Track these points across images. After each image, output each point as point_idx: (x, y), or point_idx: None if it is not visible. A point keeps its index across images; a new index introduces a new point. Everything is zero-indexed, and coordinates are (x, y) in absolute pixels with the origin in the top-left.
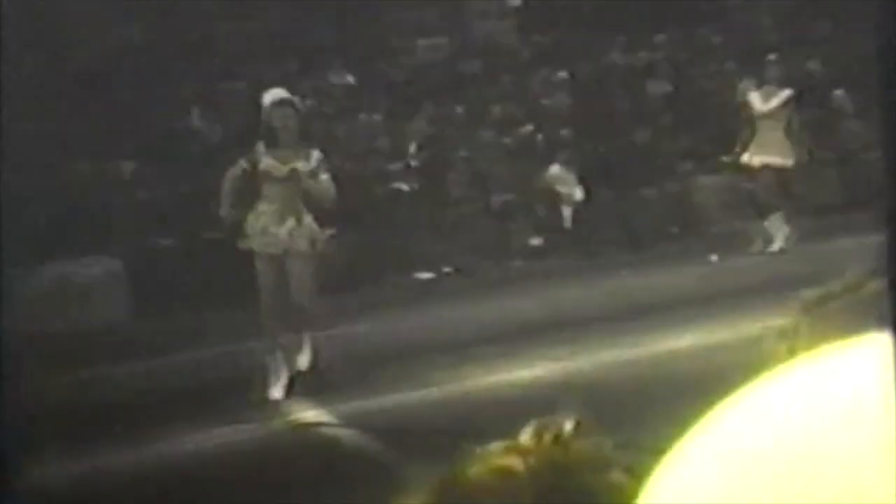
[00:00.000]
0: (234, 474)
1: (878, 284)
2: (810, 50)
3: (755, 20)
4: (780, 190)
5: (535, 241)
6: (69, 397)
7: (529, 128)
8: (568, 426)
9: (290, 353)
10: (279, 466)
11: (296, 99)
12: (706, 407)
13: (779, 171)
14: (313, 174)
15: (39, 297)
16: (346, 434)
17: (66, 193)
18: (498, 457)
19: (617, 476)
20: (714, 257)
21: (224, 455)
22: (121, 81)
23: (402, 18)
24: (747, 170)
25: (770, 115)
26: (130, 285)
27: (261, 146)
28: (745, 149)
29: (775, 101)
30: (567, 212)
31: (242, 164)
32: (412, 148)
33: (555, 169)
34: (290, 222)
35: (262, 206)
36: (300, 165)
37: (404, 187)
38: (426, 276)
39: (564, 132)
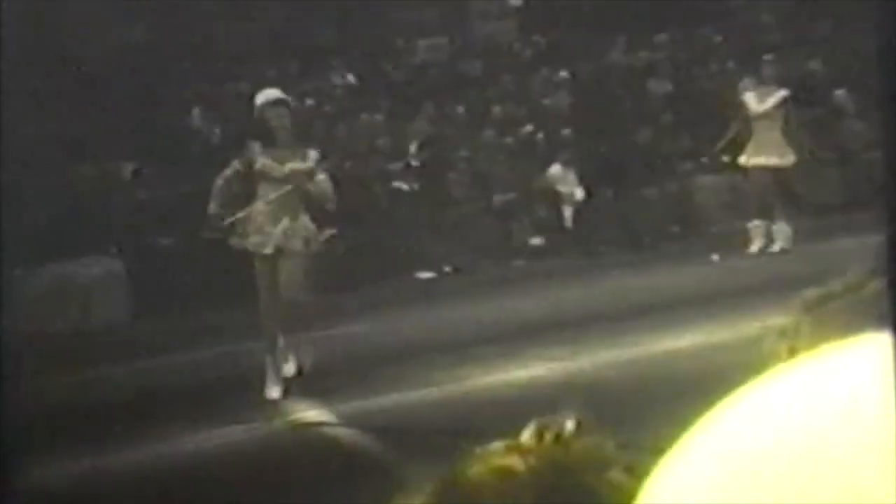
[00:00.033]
0: (235, 474)
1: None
2: (811, 49)
3: (756, 20)
4: (779, 190)
5: (536, 241)
6: (70, 397)
7: (530, 128)
8: (569, 426)
9: (288, 354)
10: (279, 466)
11: (289, 98)
12: (707, 407)
13: (777, 171)
14: (311, 174)
15: (40, 297)
16: (346, 434)
17: (66, 194)
18: (499, 456)
19: (617, 475)
20: (715, 257)
21: (224, 455)
22: (121, 82)
23: (402, 19)
24: (745, 171)
25: (766, 115)
26: (131, 285)
27: (256, 146)
28: (741, 150)
29: (771, 102)
30: (568, 211)
31: (236, 164)
32: (413, 148)
33: (555, 169)
34: (286, 222)
35: (258, 206)
36: (297, 165)
37: (405, 187)
38: (427, 275)
39: (565, 132)
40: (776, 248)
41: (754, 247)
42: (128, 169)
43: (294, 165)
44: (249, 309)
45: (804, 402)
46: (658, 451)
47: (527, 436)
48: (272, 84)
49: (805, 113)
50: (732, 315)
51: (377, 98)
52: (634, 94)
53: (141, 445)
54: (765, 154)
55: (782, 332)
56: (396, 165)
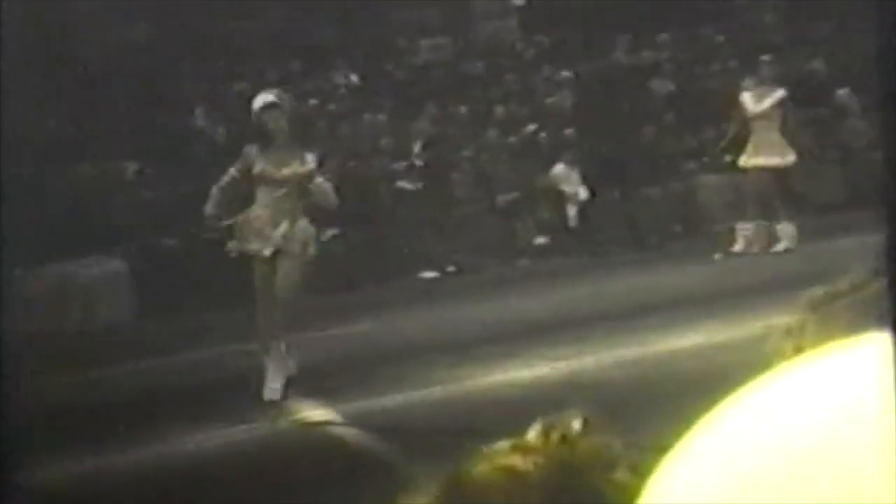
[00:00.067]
0: (237, 474)
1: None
2: (813, 49)
3: (758, 20)
4: (780, 190)
5: (540, 241)
6: (72, 397)
7: (533, 127)
8: (575, 425)
9: (286, 355)
10: (283, 466)
11: (285, 101)
12: (711, 406)
13: (778, 171)
14: (309, 177)
15: (42, 296)
16: (350, 434)
17: (69, 193)
18: (504, 456)
19: (623, 475)
20: (718, 256)
21: (227, 455)
22: (124, 82)
23: (405, 18)
24: (745, 172)
25: (764, 115)
26: (133, 285)
27: (253, 150)
28: (741, 150)
29: (768, 102)
30: (571, 211)
31: (233, 171)
32: (416, 147)
33: (559, 168)
34: (285, 225)
35: (256, 210)
36: (295, 168)
37: (408, 187)
38: (431, 275)
39: (568, 132)
40: (781, 247)
41: (738, 246)
42: (130, 169)
43: (292, 169)
44: (251, 309)
45: (805, 401)
46: (663, 450)
47: (532, 435)
48: (275, 84)
49: (807, 112)
50: (737, 314)
51: (380, 98)
52: (637, 93)
53: (143, 445)
54: (764, 154)
55: (787, 331)
56: (400, 165)
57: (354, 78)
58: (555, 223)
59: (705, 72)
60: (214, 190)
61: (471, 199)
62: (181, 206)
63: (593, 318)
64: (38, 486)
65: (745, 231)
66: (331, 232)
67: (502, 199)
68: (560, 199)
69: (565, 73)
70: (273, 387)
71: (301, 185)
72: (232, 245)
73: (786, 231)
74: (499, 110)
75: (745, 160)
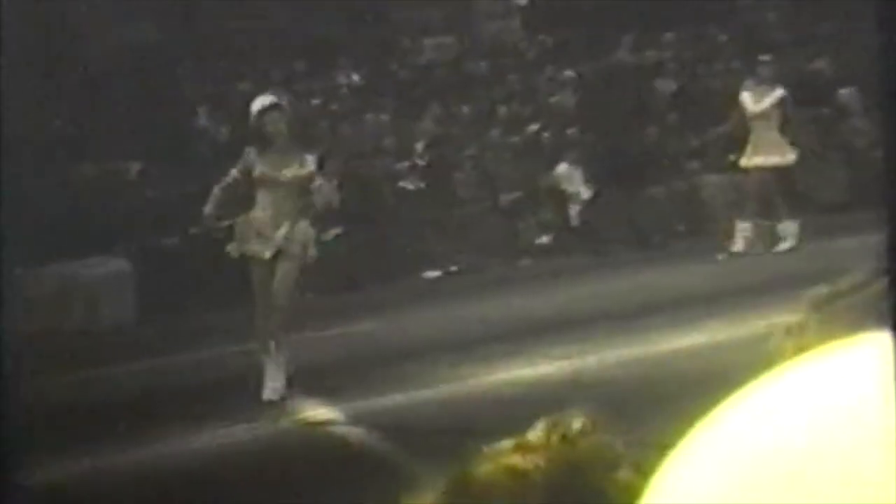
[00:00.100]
0: (240, 473)
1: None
2: (817, 49)
3: (761, 19)
4: (782, 189)
5: (543, 240)
6: (74, 396)
7: (536, 127)
8: (576, 424)
9: (283, 357)
10: (286, 466)
11: (284, 103)
12: (714, 405)
13: (778, 170)
14: (310, 179)
15: (46, 296)
16: (353, 433)
17: (72, 193)
18: (507, 455)
19: (626, 474)
20: (721, 255)
21: (230, 454)
22: (127, 81)
23: (408, 18)
24: (746, 171)
25: (763, 115)
26: (136, 285)
27: (253, 152)
28: (741, 151)
29: (767, 101)
30: (574, 210)
31: (234, 173)
32: (419, 147)
33: (562, 168)
34: (285, 227)
35: (257, 212)
36: (295, 170)
37: (411, 186)
38: (433, 274)
39: (571, 131)
40: (784, 246)
41: (736, 246)
42: (133, 168)
43: (292, 171)
44: (252, 310)
45: (806, 401)
46: (665, 448)
47: (535, 434)
48: (278, 83)
49: (810, 112)
50: (739, 313)
51: (383, 97)
52: (640, 93)
53: (144, 445)
54: (763, 153)
55: (789, 331)
56: (402, 165)
57: (357, 77)
58: (557, 223)
59: (709, 71)
60: (216, 190)
61: (474, 198)
62: (184, 205)
63: (596, 318)
64: (40, 485)
65: (744, 231)
66: (334, 231)
67: (505, 198)
68: (563, 198)
69: (568, 73)
70: (273, 386)
71: (302, 186)
72: (232, 247)
73: (788, 230)
74: (502, 110)
75: (745, 160)
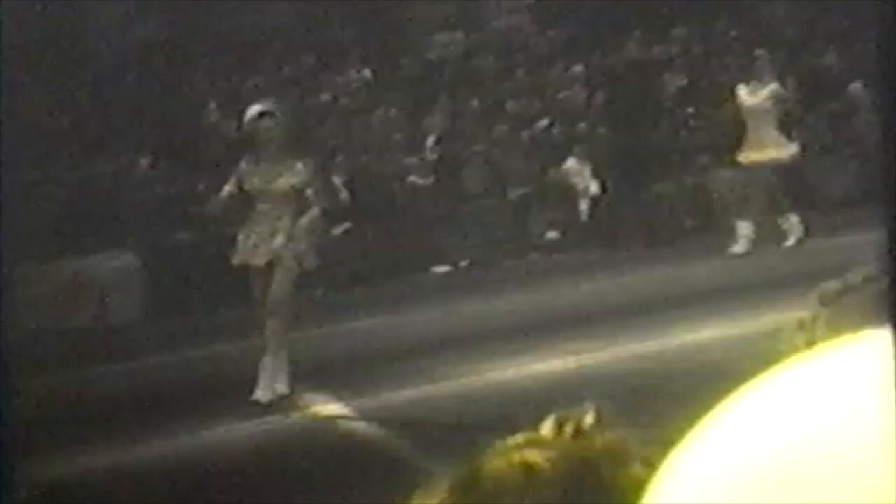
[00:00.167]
0: (250, 468)
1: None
2: (827, 43)
3: (771, 14)
4: (783, 183)
5: (552, 235)
6: (85, 392)
7: (545, 122)
8: (588, 419)
9: (282, 361)
10: (296, 461)
11: (277, 110)
12: (725, 400)
13: (778, 164)
14: (301, 188)
15: (55, 292)
16: (364, 428)
17: (82, 189)
18: (518, 450)
19: (637, 469)
20: (731, 249)
21: (239, 449)
22: (137, 77)
23: (418, 13)
24: (745, 167)
25: (758, 109)
26: (146, 280)
27: (244, 165)
28: (738, 146)
29: (763, 95)
30: (583, 205)
31: (228, 188)
32: (429, 142)
33: (571, 163)
34: (280, 239)
35: (254, 223)
36: (287, 179)
37: (420, 181)
38: (443, 269)
39: (580, 126)
40: (791, 241)
41: (738, 247)
42: (143, 164)
43: (284, 180)
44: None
45: (805, 399)
46: (676, 444)
47: (546, 429)
48: (287, 79)
49: (820, 107)
50: (749, 309)
51: (392, 93)
52: (650, 88)
53: (153, 440)
54: (760, 149)
55: (800, 325)
56: (412, 160)
57: (367, 73)
58: (567, 218)
59: (718, 66)
60: (217, 202)
61: (483, 193)
62: (194, 201)
63: (606, 313)
64: (49, 481)
65: (745, 230)
66: (343, 227)
67: (514, 193)
68: (572, 193)
69: (578, 68)
70: (264, 390)
71: (296, 196)
72: (234, 256)
73: (792, 225)
74: (511, 105)
75: (743, 156)
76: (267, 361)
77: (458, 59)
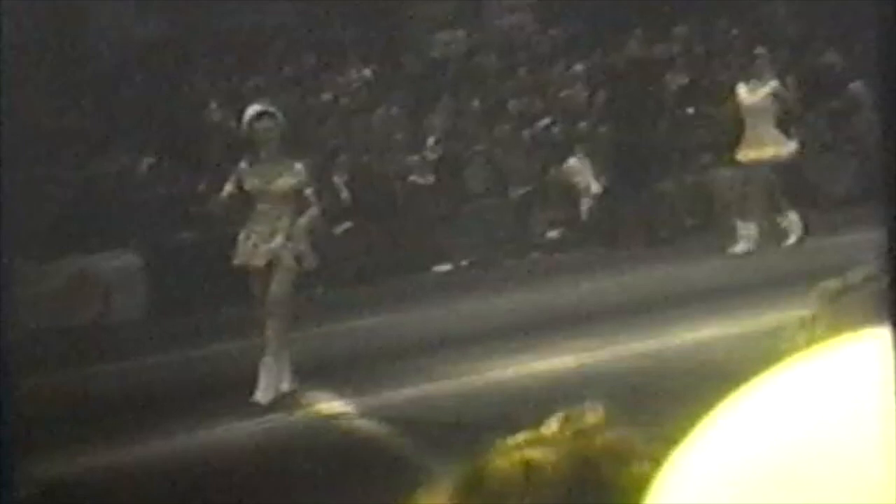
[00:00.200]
0: (252, 466)
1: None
2: (829, 42)
3: (772, 12)
4: (782, 181)
5: (553, 234)
6: (87, 391)
7: (547, 121)
8: (591, 418)
9: (282, 361)
10: (299, 459)
11: (276, 111)
12: (728, 398)
13: (777, 162)
14: (299, 188)
15: (57, 290)
16: (366, 426)
17: (84, 188)
18: (521, 449)
19: (641, 467)
20: (732, 249)
21: (241, 448)
22: (139, 77)
23: (419, 12)
24: (745, 166)
25: (757, 107)
26: (148, 280)
27: (243, 166)
28: (736, 145)
29: (761, 94)
30: (584, 204)
31: (228, 187)
32: (430, 141)
33: (572, 162)
34: (279, 239)
35: (251, 226)
36: (285, 180)
37: (421, 181)
38: (444, 268)
39: (582, 125)
40: (792, 239)
41: (739, 247)
42: (145, 163)
43: (282, 181)
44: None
45: (804, 398)
46: (679, 442)
47: (549, 428)
48: (289, 78)
49: (821, 105)
50: (751, 307)
51: (394, 92)
52: (651, 87)
53: (155, 439)
54: (759, 147)
55: (801, 324)
56: (413, 159)
57: (368, 72)
58: (568, 217)
59: (719, 65)
60: (217, 202)
61: (484, 192)
62: (196, 200)
63: (607, 312)
64: (51, 478)
65: (746, 230)
66: (344, 226)
67: (515, 192)
68: (573, 192)
69: (579, 67)
70: (264, 391)
71: (294, 197)
72: (236, 260)
73: (791, 222)
74: (513, 104)
75: (741, 155)
76: (267, 362)
77: (459, 58)
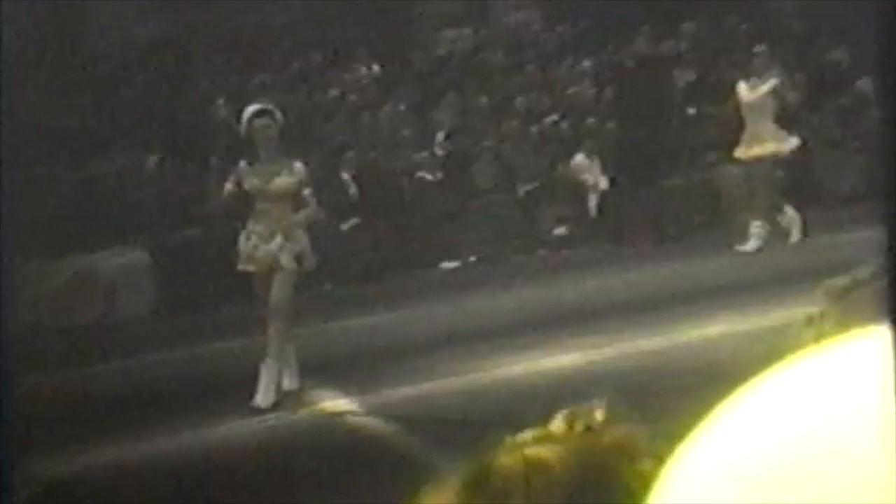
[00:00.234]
0: (258, 464)
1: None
2: (836, 38)
3: (780, 9)
4: (784, 177)
5: (560, 231)
6: (94, 388)
7: (554, 117)
8: (598, 415)
9: (289, 356)
10: (304, 456)
11: (275, 109)
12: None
13: (778, 158)
14: (298, 188)
15: (64, 288)
16: (372, 424)
17: (90, 185)
18: (528, 446)
19: (647, 464)
20: (740, 247)
21: (246, 445)
22: (145, 75)
23: (426, 9)
24: (750, 163)
25: (757, 104)
26: (155, 276)
27: (243, 164)
28: (736, 142)
29: (761, 91)
30: (592, 201)
31: (228, 186)
32: (437, 138)
33: (579, 158)
34: (279, 239)
35: (251, 225)
36: (284, 179)
37: (429, 177)
38: (451, 265)
39: (589, 122)
40: (793, 236)
41: (749, 245)
42: (152, 160)
43: (281, 180)
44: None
45: (812, 394)
46: (686, 439)
47: (556, 425)
48: (296, 76)
49: (829, 102)
50: (759, 304)
51: (401, 88)
52: (659, 83)
53: (164, 436)
54: (759, 143)
55: (809, 321)
56: (420, 156)
57: (375, 69)
58: (575, 213)
59: (727, 62)
60: (218, 198)
61: (492, 189)
62: (202, 198)
63: (614, 309)
64: (58, 476)
65: (756, 229)
66: (352, 223)
67: (523, 189)
68: (581, 189)
69: (586, 64)
70: (264, 394)
71: (293, 196)
72: (239, 265)
73: (790, 219)
74: (520, 100)
75: (741, 152)
76: (269, 364)
77: (466, 55)
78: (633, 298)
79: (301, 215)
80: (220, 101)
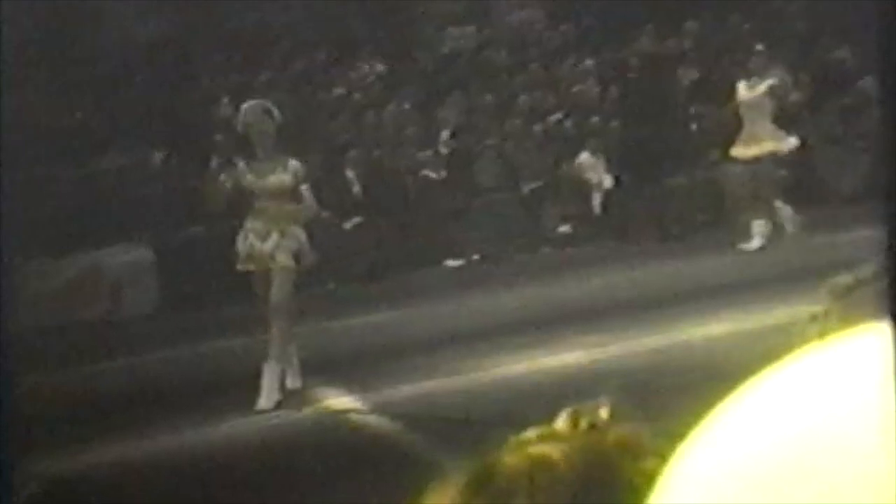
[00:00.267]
0: (263, 462)
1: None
2: (839, 37)
3: (783, 8)
4: (783, 176)
5: (564, 229)
6: (98, 386)
7: (558, 116)
8: (603, 413)
9: (291, 355)
10: (309, 454)
11: (272, 106)
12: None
13: (776, 157)
14: (294, 186)
15: (69, 285)
16: (376, 422)
17: (95, 183)
18: (532, 445)
19: (652, 463)
20: (743, 245)
21: (251, 442)
22: (150, 72)
23: (430, 8)
24: (751, 162)
25: (754, 103)
26: (160, 274)
27: (240, 162)
28: (732, 142)
29: (759, 90)
30: (596, 199)
31: (227, 184)
32: (441, 136)
33: (584, 157)
34: (275, 237)
35: (249, 224)
36: (279, 177)
37: (433, 175)
38: (455, 263)
39: (593, 120)
40: (788, 230)
41: (753, 243)
42: (156, 158)
43: (276, 178)
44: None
45: (813, 391)
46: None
47: (560, 424)
48: (300, 74)
49: (832, 101)
50: (762, 302)
51: (405, 87)
52: (663, 82)
53: (168, 434)
54: (756, 143)
55: (813, 319)
56: (425, 154)
57: (380, 67)
58: (579, 212)
59: (730, 61)
60: (216, 198)
61: (495, 187)
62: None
63: (618, 307)
64: (62, 473)
65: (759, 228)
66: (356, 221)
67: (527, 187)
68: (585, 187)
69: (590, 62)
70: (268, 396)
71: (289, 194)
72: (239, 265)
73: (786, 218)
74: (524, 99)
75: (737, 151)
76: (270, 365)
77: (470, 54)
78: (636, 297)
79: (295, 209)
80: (225, 100)
